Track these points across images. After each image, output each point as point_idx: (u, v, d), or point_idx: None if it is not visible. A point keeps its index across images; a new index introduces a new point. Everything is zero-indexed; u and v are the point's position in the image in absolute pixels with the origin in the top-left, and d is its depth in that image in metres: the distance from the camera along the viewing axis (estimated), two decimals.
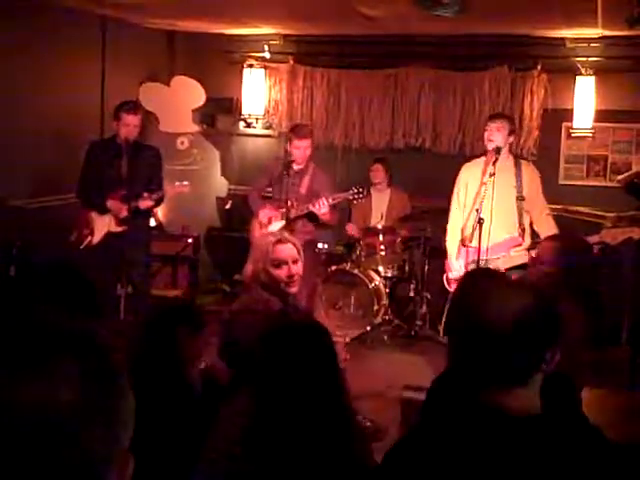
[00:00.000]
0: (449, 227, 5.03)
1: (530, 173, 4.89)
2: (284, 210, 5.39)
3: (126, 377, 0.83)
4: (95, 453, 0.77)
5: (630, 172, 6.02)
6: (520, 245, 4.79)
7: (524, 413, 1.52)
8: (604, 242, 4.57)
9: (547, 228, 4.80)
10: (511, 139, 4.93)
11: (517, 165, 4.88)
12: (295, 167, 5.46)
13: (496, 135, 4.76)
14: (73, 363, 0.78)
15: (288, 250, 3.21)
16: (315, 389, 1.95)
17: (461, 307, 1.62)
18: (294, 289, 3.21)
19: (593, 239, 4.63)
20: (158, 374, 2.47)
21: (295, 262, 3.21)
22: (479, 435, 1.50)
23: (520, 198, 4.77)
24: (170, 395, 2.44)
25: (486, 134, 4.82)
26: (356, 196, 5.39)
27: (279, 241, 3.22)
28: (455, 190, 5.01)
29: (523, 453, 1.47)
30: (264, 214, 5.48)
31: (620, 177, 6.06)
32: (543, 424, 1.53)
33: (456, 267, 4.89)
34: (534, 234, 4.89)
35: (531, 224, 4.88)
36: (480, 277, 2.70)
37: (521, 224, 4.80)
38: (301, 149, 5.42)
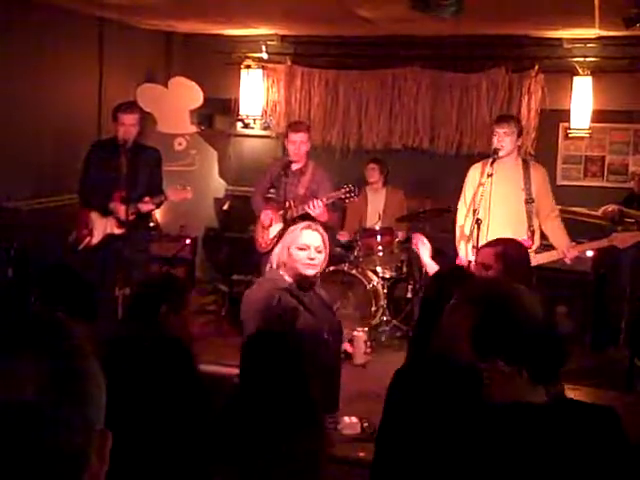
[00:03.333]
0: (457, 228, 5.02)
1: (539, 174, 4.85)
2: (283, 212, 5.38)
3: (92, 358, 0.83)
4: (70, 442, 0.77)
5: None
6: (530, 247, 4.77)
7: (543, 402, 1.60)
8: (614, 246, 4.56)
9: (555, 230, 4.78)
10: (519, 141, 4.89)
11: (525, 167, 4.81)
12: (294, 167, 5.44)
13: (506, 141, 4.70)
14: (34, 356, 0.77)
15: (314, 237, 3.42)
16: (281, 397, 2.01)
17: (493, 306, 1.65)
18: (310, 271, 3.37)
19: (602, 243, 4.62)
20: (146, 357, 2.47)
21: (318, 250, 3.39)
22: (509, 426, 1.56)
23: (530, 201, 4.72)
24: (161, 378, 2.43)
25: (495, 139, 4.76)
26: (348, 195, 5.35)
27: (308, 226, 3.48)
28: (463, 191, 5.00)
29: (553, 438, 1.55)
30: (265, 216, 5.47)
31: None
32: (562, 411, 1.62)
33: None
34: (543, 236, 4.87)
35: (539, 226, 4.86)
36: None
37: (530, 226, 4.75)
38: (296, 143, 5.39)
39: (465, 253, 4.85)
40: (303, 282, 3.37)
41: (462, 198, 4.99)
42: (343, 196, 5.36)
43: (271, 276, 3.45)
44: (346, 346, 3.87)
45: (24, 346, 0.77)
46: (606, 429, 1.60)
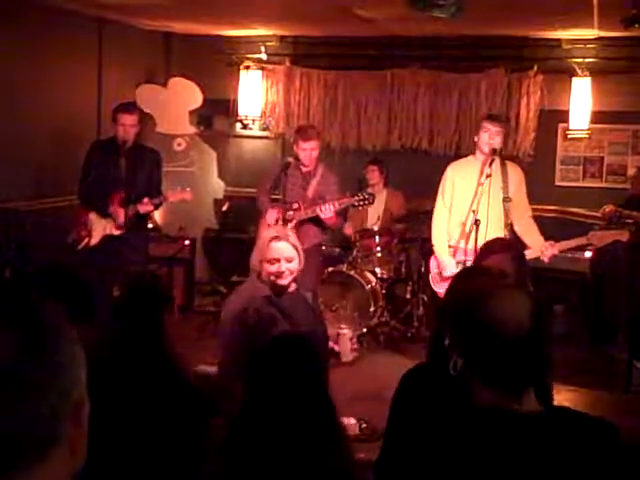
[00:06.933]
0: (434, 226, 5.05)
1: (516, 174, 4.90)
2: (291, 213, 5.35)
3: (66, 326, 0.87)
4: (43, 407, 0.81)
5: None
6: None
7: (531, 412, 1.57)
8: (591, 244, 4.57)
9: (528, 230, 4.81)
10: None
11: (503, 166, 4.87)
12: (303, 169, 5.43)
13: (496, 138, 4.78)
14: (5, 326, 0.80)
15: (283, 248, 3.27)
16: (301, 403, 1.92)
17: (472, 310, 1.63)
18: (283, 281, 3.28)
19: (580, 240, 4.61)
20: (144, 359, 2.46)
21: (289, 260, 3.28)
22: (493, 435, 1.54)
23: (507, 199, 4.74)
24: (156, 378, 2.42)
25: (486, 135, 4.79)
26: (361, 202, 5.32)
27: (275, 238, 3.29)
28: (440, 189, 5.02)
29: (539, 449, 1.51)
30: (271, 215, 5.45)
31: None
32: (553, 420, 1.58)
33: (450, 266, 4.88)
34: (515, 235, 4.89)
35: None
36: (478, 278, 2.69)
37: (507, 225, 4.77)
38: (307, 151, 5.37)
39: (454, 252, 4.88)
40: (279, 289, 3.32)
41: (440, 197, 5.00)
42: (356, 203, 5.34)
43: (249, 285, 3.38)
44: (332, 345, 3.83)
45: None
46: (603, 445, 1.55)
